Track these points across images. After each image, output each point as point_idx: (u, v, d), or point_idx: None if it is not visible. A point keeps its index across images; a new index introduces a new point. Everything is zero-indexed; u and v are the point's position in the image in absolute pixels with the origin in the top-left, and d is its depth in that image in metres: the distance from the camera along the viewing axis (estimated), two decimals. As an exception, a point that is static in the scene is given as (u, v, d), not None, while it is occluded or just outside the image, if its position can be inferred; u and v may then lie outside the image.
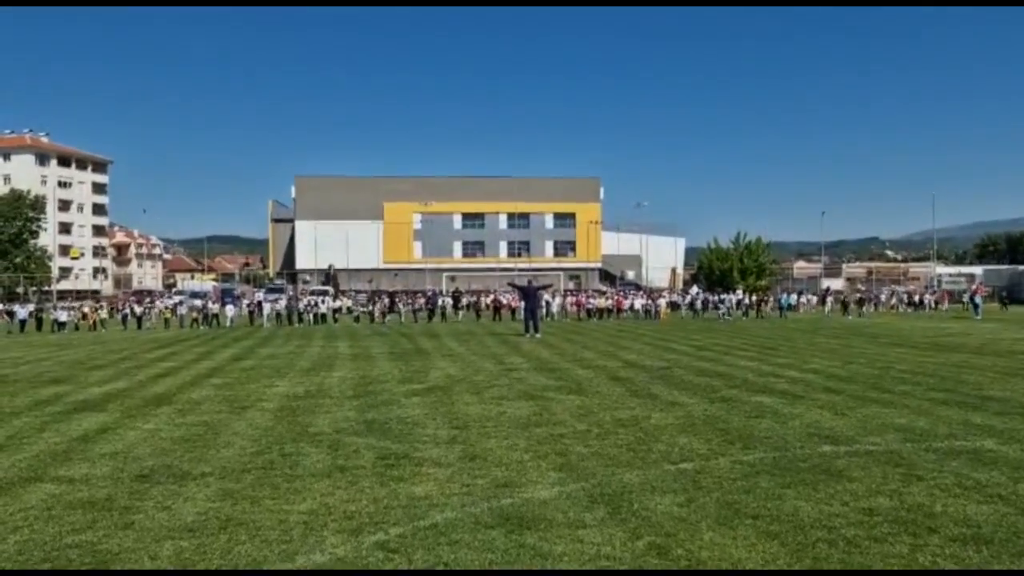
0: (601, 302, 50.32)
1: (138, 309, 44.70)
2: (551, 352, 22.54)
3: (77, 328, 42.84)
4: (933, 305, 59.66)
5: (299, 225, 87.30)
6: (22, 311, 43.37)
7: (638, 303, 49.77)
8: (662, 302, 50.09)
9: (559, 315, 47.71)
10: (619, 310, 48.85)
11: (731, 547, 5.81)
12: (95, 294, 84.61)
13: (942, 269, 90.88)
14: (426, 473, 8.09)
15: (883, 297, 62.31)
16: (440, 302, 50.82)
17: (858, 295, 56.41)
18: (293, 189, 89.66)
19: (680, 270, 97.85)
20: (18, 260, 79.70)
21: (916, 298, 61.39)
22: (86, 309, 43.91)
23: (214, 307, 46.60)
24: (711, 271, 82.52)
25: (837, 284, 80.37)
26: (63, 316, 42.98)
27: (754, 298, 55.13)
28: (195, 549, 5.84)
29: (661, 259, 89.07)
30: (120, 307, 50.33)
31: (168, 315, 45.51)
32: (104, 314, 45.31)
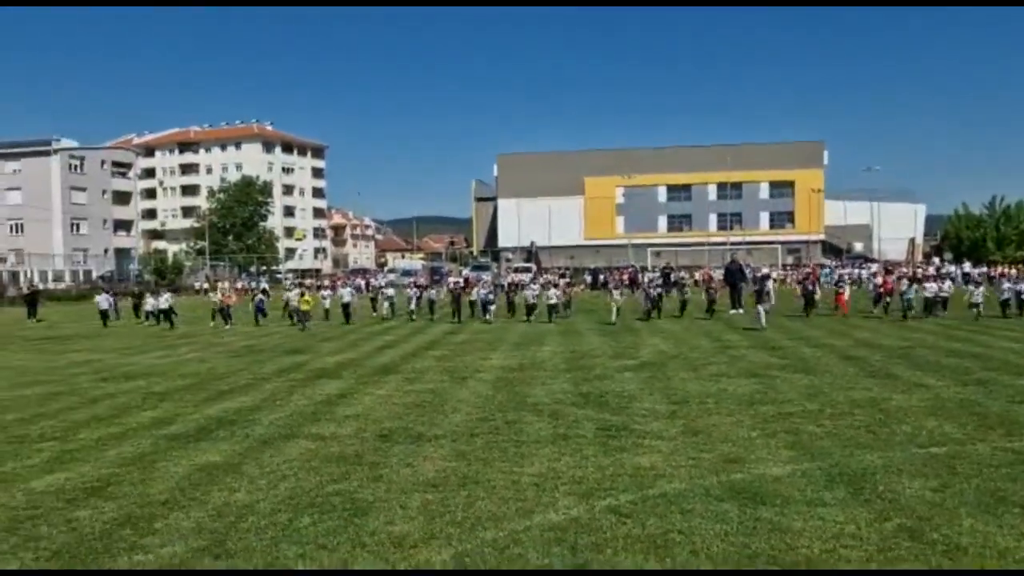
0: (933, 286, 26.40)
1: (347, 295, 29.27)
2: (771, 329, 21.18)
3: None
4: None
5: (501, 203, 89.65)
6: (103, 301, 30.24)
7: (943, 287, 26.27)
8: None
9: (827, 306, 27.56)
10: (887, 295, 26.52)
11: (996, 535, 5.29)
12: (317, 273, 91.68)
13: None
14: (649, 445, 8.07)
15: None
16: (639, 279, 49.74)
17: None
18: (495, 167, 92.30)
19: (920, 240, 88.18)
20: (250, 242, 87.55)
21: None
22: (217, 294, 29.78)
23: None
24: (959, 241, 73.91)
25: None
26: (159, 303, 28.63)
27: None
28: (439, 502, 6.26)
29: (896, 229, 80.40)
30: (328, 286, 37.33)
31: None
32: (234, 299, 30.65)
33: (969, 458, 7.24)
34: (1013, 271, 48.07)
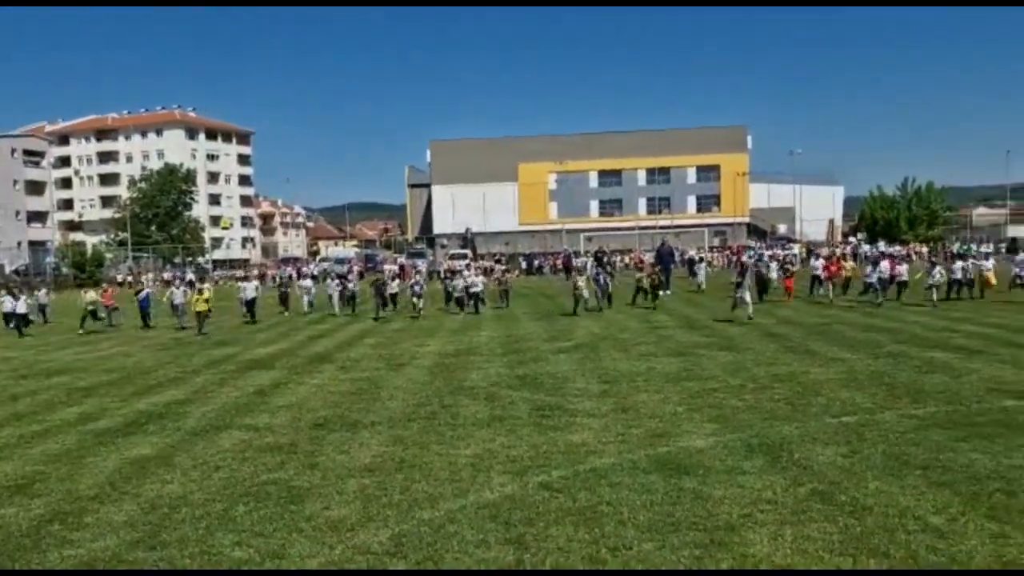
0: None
1: (250, 290, 25.64)
2: (699, 310, 22.13)
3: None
4: None
5: (436, 189, 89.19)
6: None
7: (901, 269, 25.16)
8: (989, 264, 25.67)
9: (778, 289, 26.24)
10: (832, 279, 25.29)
11: (899, 495, 5.69)
12: (245, 263, 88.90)
13: None
14: (581, 423, 8.33)
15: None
16: (576, 263, 50.54)
17: None
18: (428, 153, 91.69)
19: (839, 222, 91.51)
20: (174, 232, 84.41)
21: None
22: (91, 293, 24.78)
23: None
24: (874, 221, 76.99)
25: (1025, 232, 72.62)
26: (16, 306, 23.49)
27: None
28: (376, 486, 6.35)
29: (816, 211, 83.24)
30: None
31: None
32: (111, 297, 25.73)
33: (877, 425, 7.71)
34: (924, 249, 50.27)
